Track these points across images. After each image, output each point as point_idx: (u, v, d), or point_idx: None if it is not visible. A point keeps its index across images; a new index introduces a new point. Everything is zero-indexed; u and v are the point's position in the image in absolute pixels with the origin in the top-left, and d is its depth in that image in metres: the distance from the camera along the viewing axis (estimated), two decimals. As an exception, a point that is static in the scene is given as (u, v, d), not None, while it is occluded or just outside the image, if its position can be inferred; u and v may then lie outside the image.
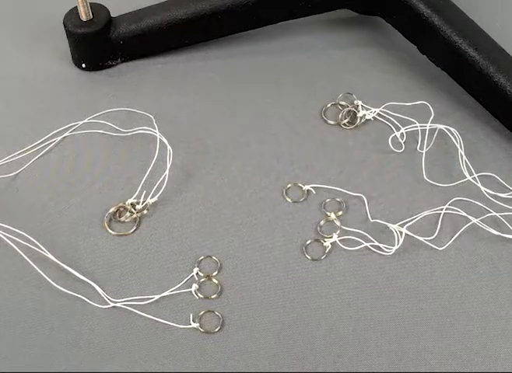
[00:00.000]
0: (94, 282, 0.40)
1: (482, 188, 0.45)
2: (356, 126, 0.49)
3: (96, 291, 0.40)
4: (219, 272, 0.41)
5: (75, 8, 0.49)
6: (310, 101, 0.51)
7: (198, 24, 0.51)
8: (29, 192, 0.45)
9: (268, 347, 0.38)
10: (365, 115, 0.49)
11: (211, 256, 0.42)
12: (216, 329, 0.39)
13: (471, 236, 0.43)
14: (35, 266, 0.40)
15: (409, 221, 0.43)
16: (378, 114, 0.49)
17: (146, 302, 0.39)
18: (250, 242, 0.42)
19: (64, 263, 0.40)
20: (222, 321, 0.39)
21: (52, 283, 0.40)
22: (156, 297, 0.40)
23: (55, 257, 0.40)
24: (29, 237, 0.41)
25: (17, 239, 0.41)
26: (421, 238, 0.42)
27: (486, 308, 0.40)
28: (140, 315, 0.39)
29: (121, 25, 0.50)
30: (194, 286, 0.40)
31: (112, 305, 0.39)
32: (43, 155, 0.47)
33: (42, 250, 0.41)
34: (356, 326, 0.39)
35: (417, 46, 0.51)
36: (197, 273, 0.41)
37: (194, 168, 0.46)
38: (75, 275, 0.40)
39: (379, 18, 0.53)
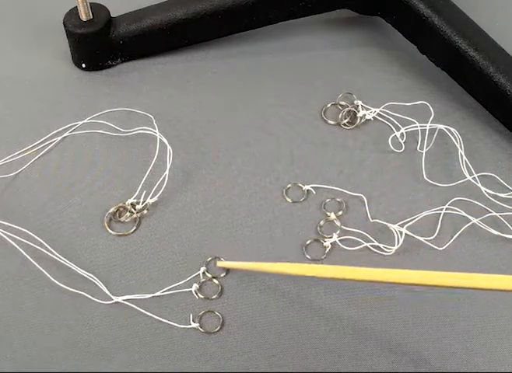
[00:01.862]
0: (94, 281, 0.40)
1: (482, 188, 0.45)
2: (356, 126, 0.49)
3: (96, 290, 0.40)
4: (226, 274, 0.41)
5: (75, 8, 0.49)
6: (310, 101, 0.51)
7: (198, 24, 0.51)
8: (29, 192, 0.45)
9: (268, 347, 0.38)
10: (365, 115, 0.49)
11: (219, 258, 0.41)
12: (216, 329, 0.39)
13: (471, 236, 0.43)
14: (36, 264, 0.40)
15: (409, 221, 0.43)
16: (378, 114, 0.49)
17: (144, 297, 0.39)
18: (250, 242, 0.42)
19: (64, 262, 0.40)
20: (222, 321, 0.39)
21: (54, 280, 0.40)
22: (157, 293, 0.40)
23: (55, 257, 0.40)
24: (30, 233, 0.41)
25: (18, 238, 0.41)
26: (421, 238, 0.42)
27: (486, 308, 0.40)
28: (140, 315, 0.39)
29: (121, 25, 0.50)
30: (195, 286, 0.40)
31: (112, 301, 0.39)
32: (43, 155, 0.47)
33: (44, 248, 0.41)
34: (356, 326, 0.39)
35: (417, 46, 0.51)
36: (203, 273, 0.41)
37: (194, 168, 0.46)
38: (74, 275, 0.40)
39: (379, 18, 0.53)
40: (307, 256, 0.42)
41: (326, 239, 0.42)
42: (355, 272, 0.35)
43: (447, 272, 0.33)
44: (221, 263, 0.41)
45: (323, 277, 0.36)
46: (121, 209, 0.44)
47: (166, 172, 0.44)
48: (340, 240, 0.42)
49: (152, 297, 0.40)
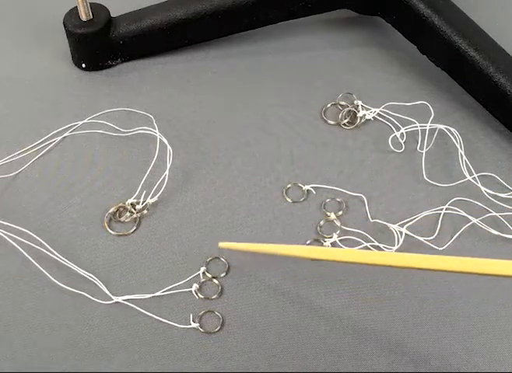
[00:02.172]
0: (94, 281, 0.40)
1: (482, 188, 0.45)
2: (356, 126, 0.49)
3: (96, 290, 0.40)
4: (226, 273, 0.41)
5: (75, 8, 0.49)
6: (310, 101, 0.51)
7: (198, 24, 0.51)
8: (29, 192, 0.45)
9: (268, 347, 0.38)
10: (365, 115, 0.49)
11: (219, 257, 0.41)
12: (216, 329, 0.39)
13: (471, 236, 0.43)
14: (36, 264, 0.40)
15: (409, 221, 0.43)
16: (378, 114, 0.49)
17: (144, 297, 0.39)
18: (250, 242, 0.42)
19: (64, 262, 0.40)
20: (222, 321, 0.39)
21: (54, 280, 0.40)
22: (157, 293, 0.40)
23: (55, 257, 0.40)
24: (30, 233, 0.41)
25: (18, 238, 0.41)
26: (421, 238, 0.42)
27: (486, 308, 0.40)
28: (140, 315, 0.39)
29: (121, 25, 0.50)
30: (195, 286, 0.40)
31: (112, 301, 0.39)
32: (43, 155, 0.47)
33: (44, 248, 0.41)
34: (356, 326, 0.39)
35: (417, 46, 0.51)
36: (203, 273, 0.41)
37: (194, 168, 0.46)
38: (74, 275, 0.40)
39: (379, 18, 0.53)
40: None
41: (326, 239, 0.42)
42: (363, 256, 0.34)
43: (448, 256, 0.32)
44: (223, 244, 0.40)
45: (330, 259, 0.35)
46: (121, 209, 0.44)
47: (166, 172, 0.44)
48: (340, 240, 0.42)
49: (152, 297, 0.40)
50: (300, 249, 0.36)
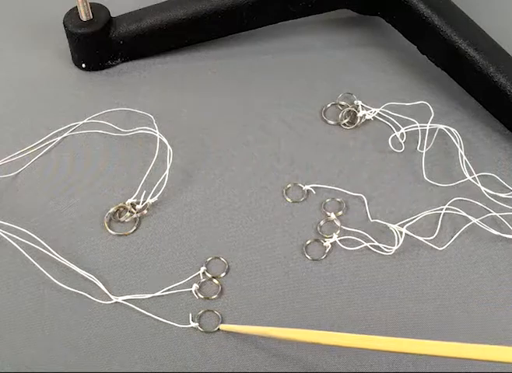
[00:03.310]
0: (94, 281, 0.40)
1: (482, 188, 0.45)
2: (356, 126, 0.49)
3: (96, 290, 0.40)
4: (226, 273, 0.41)
5: (75, 8, 0.49)
6: (310, 101, 0.50)
7: (198, 24, 0.51)
8: (29, 192, 0.45)
9: (268, 347, 0.38)
10: (365, 115, 0.49)
11: (219, 258, 0.41)
12: (216, 329, 0.39)
13: (471, 236, 0.43)
14: (36, 264, 0.40)
15: (409, 221, 0.43)
16: (378, 114, 0.49)
17: (144, 297, 0.39)
18: (250, 242, 0.42)
19: (64, 262, 0.40)
20: (222, 321, 0.39)
21: (54, 280, 0.40)
22: (157, 293, 0.40)
23: (55, 257, 0.40)
24: (30, 233, 0.41)
25: (18, 238, 0.41)
26: (421, 238, 0.42)
27: (486, 308, 0.40)
28: (139, 314, 0.39)
29: (121, 25, 0.50)
30: (195, 286, 0.40)
31: (112, 301, 0.39)
32: (43, 155, 0.47)
33: (44, 248, 0.41)
34: (356, 326, 0.39)
35: (417, 46, 0.51)
36: (203, 273, 0.41)
37: (194, 168, 0.46)
38: (74, 275, 0.40)
39: (379, 18, 0.53)
40: (307, 256, 0.42)
41: (326, 239, 0.42)
42: (374, 341, 0.32)
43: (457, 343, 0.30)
44: (224, 326, 0.38)
45: (331, 344, 0.33)
46: (121, 209, 0.44)
47: (166, 172, 0.44)
48: (340, 240, 0.42)
49: (152, 297, 0.40)
50: (317, 335, 0.34)
